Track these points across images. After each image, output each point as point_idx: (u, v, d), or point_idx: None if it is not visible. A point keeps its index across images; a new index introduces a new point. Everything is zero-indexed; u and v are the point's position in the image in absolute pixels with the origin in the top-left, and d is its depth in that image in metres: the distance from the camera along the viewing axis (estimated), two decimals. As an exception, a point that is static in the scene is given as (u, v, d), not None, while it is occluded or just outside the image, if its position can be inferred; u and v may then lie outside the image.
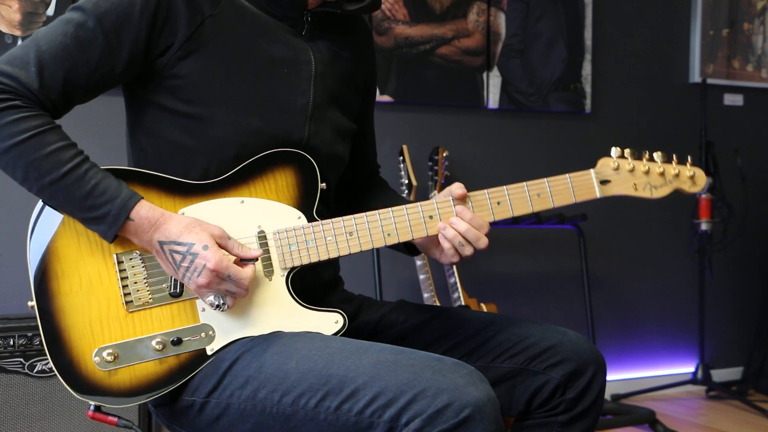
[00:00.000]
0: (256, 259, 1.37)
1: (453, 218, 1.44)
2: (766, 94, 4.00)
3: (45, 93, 1.31)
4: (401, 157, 3.01)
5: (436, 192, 3.04)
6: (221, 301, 1.33)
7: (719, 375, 3.82)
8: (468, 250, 1.44)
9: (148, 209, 1.32)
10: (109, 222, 1.31)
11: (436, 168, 3.07)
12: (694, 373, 3.72)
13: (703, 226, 3.66)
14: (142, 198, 1.33)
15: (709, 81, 3.77)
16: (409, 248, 1.58)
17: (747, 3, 3.91)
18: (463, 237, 1.43)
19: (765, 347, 3.84)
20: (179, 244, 1.31)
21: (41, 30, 1.35)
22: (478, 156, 3.40)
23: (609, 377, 1.53)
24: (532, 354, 1.48)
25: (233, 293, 1.34)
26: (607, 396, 3.55)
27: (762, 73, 3.96)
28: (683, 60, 3.82)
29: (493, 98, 3.39)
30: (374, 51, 1.69)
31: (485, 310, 2.91)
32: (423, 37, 3.26)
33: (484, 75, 3.38)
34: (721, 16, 3.84)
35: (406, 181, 2.96)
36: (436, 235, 1.46)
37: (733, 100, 3.93)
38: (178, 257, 1.31)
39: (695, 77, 3.80)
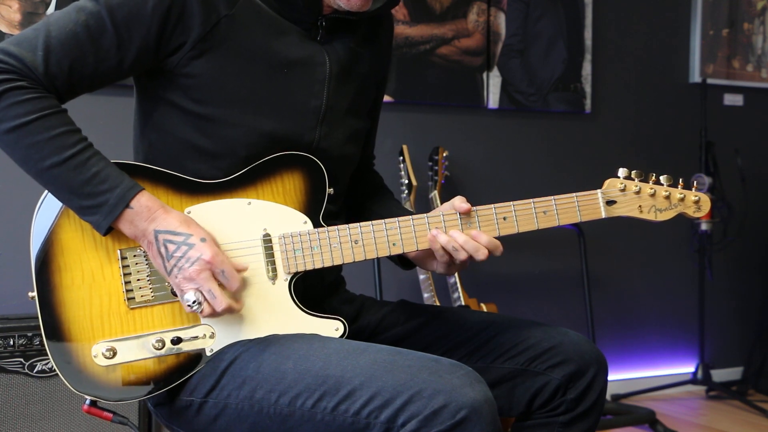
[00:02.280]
0: (244, 270, 1.36)
1: (452, 231, 1.43)
2: (766, 94, 4.00)
3: (49, 79, 1.30)
4: (401, 157, 3.01)
5: (435, 192, 3.04)
6: (199, 299, 1.30)
7: (719, 375, 3.81)
8: (462, 255, 1.42)
9: (148, 198, 1.31)
10: (104, 212, 1.29)
11: (436, 168, 3.07)
12: (694, 373, 3.72)
13: (703, 226, 3.66)
14: (143, 189, 1.32)
15: (709, 81, 3.76)
16: (403, 262, 1.57)
17: (747, 3, 3.91)
18: (462, 247, 1.42)
19: (765, 347, 3.84)
20: (176, 234, 1.30)
21: (54, 14, 1.33)
22: (478, 156, 3.40)
23: (609, 377, 1.53)
24: (532, 355, 1.48)
25: (214, 297, 1.31)
26: (607, 396, 3.55)
27: (762, 73, 3.96)
28: (683, 60, 3.82)
29: (493, 98, 3.38)
30: (392, 41, 1.67)
31: (485, 310, 2.91)
32: (423, 37, 3.26)
33: (484, 75, 3.38)
34: (721, 16, 3.84)
35: (406, 181, 2.96)
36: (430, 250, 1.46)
37: (733, 100, 3.93)
38: (171, 247, 1.30)
39: (695, 77, 3.80)
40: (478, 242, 1.42)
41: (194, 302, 1.30)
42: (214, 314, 1.33)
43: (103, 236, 1.33)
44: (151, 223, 1.31)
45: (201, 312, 1.31)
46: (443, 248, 1.42)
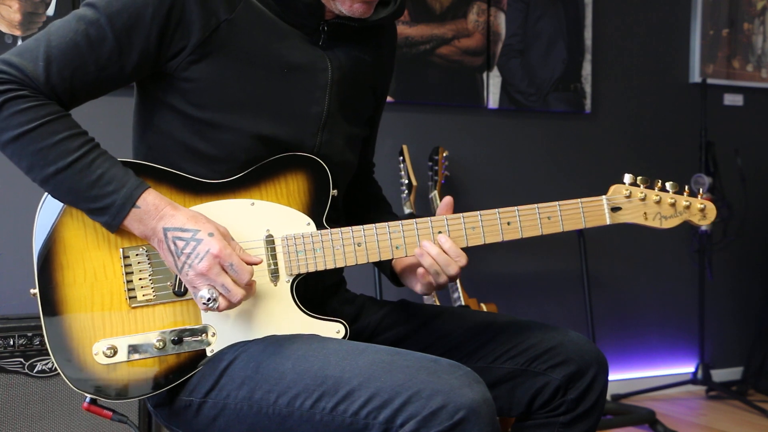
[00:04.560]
0: (257, 264, 1.36)
1: (425, 242, 1.42)
2: (766, 94, 4.00)
3: (51, 88, 1.30)
4: (401, 157, 3.01)
5: (436, 192, 3.04)
6: (214, 296, 1.28)
7: (719, 375, 3.82)
8: (442, 279, 1.42)
9: (155, 196, 1.32)
10: (112, 213, 1.30)
11: (436, 168, 3.07)
12: (694, 373, 3.72)
13: (703, 227, 3.67)
14: (149, 187, 1.32)
15: (709, 81, 3.76)
16: (395, 278, 1.58)
17: (747, 3, 3.91)
18: (435, 261, 1.41)
19: (765, 347, 3.84)
20: (184, 230, 1.30)
21: (55, 23, 1.34)
22: (478, 156, 3.40)
23: (609, 377, 1.53)
24: (533, 355, 1.48)
25: (228, 291, 1.29)
26: (608, 396, 3.55)
27: (762, 73, 3.96)
28: (683, 60, 3.82)
29: (493, 98, 3.39)
30: (395, 52, 1.67)
31: (485, 310, 2.91)
32: (423, 37, 3.26)
33: (484, 75, 3.38)
34: (721, 16, 3.84)
35: (406, 181, 2.96)
36: (415, 266, 1.47)
37: (733, 100, 3.93)
38: (180, 243, 1.30)
39: (695, 77, 3.80)
40: (436, 245, 1.42)
41: (209, 300, 1.28)
42: (231, 306, 1.32)
43: (113, 234, 1.34)
44: (160, 221, 1.31)
45: (217, 308, 1.30)
46: (426, 270, 1.42)
